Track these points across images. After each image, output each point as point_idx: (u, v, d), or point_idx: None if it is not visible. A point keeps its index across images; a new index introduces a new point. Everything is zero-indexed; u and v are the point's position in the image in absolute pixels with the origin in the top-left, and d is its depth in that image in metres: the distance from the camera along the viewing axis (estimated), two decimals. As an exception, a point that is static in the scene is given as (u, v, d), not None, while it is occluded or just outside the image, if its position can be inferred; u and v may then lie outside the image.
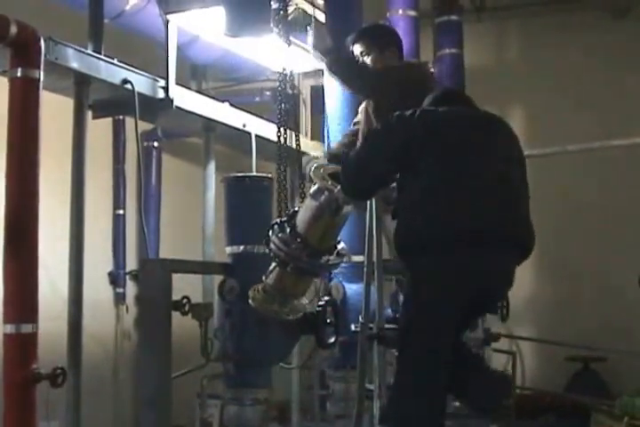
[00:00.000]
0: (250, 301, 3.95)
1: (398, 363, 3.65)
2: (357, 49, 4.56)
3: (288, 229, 3.77)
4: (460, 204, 3.46)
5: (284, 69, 4.18)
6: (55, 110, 4.07)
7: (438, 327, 3.51)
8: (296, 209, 3.88)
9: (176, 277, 4.06)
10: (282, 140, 4.15)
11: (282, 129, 4.16)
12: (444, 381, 3.51)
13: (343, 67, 4.55)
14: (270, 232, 3.82)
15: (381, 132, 3.76)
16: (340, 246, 3.96)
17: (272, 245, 3.79)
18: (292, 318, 4.08)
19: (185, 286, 4.25)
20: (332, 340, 4.36)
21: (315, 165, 3.91)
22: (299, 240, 3.73)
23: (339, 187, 3.65)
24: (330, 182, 3.71)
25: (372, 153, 3.69)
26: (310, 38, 4.67)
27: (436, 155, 3.54)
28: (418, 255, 3.52)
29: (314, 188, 3.79)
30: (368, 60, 4.53)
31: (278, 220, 3.89)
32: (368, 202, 4.11)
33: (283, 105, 4.15)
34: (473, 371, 3.79)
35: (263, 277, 3.94)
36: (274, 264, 3.88)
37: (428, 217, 3.48)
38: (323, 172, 3.80)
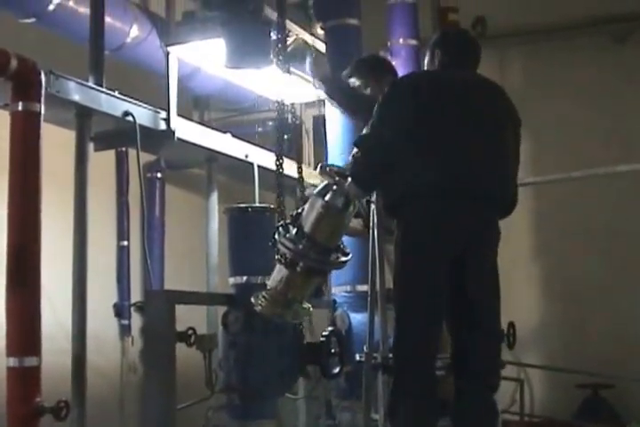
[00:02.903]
0: (254, 307, 3.91)
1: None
2: (354, 83, 4.65)
3: (294, 230, 3.77)
4: (431, 161, 3.70)
5: (283, 101, 4.18)
6: (57, 143, 4.08)
7: (423, 267, 3.73)
8: (299, 211, 3.87)
9: (180, 308, 4.05)
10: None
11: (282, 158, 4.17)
12: (430, 322, 3.74)
13: (342, 93, 4.60)
14: (276, 235, 3.80)
15: (383, 104, 3.87)
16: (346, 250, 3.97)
17: (279, 246, 3.75)
18: (295, 321, 4.13)
19: (189, 316, 4.24)
20: (337, 370, 4.34)
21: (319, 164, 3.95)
22: (306, 239, 3.72)
23: (348, 181, 3.68)
24: (337, 179, 3.74)
25: (381, 124, 3.81)
26: (309, 66, 4.69)
27: (420, 120, 3.75)
28: (401, 208, 3.80)
29: (320, 185, 3.81)
30: (368, 91, 4.60)
31: (282, 222, 3.87)
32: (370, 232, 4.11)
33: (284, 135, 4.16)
34: (465, 394, 3.80)
35: (266, 282, 3.92)
36: (279, 268, 3.84)
37: (405, 174, 3.73)
38: (329, 170, 3.83)
